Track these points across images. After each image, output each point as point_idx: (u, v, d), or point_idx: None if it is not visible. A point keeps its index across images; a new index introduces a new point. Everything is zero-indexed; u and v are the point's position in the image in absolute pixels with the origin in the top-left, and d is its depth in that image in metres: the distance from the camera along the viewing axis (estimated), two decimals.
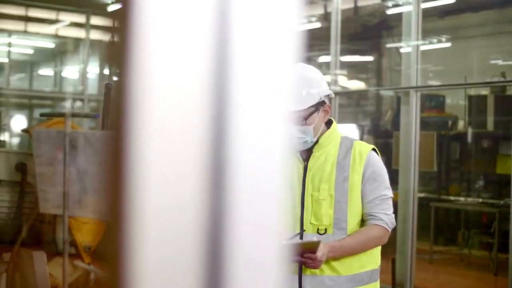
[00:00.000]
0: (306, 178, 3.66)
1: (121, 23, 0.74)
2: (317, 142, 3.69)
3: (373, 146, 3.73)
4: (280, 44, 0.76)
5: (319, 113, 3.64)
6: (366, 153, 3.63)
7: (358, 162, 3.61)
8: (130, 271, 0.72)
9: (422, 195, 11.69)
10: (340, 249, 3.52)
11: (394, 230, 9.44)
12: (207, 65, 0.73)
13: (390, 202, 3.67)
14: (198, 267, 0.73)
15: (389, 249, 9.67)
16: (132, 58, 0.71)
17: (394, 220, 3.67)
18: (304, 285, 3.59)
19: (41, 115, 3.55)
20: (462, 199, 12.81)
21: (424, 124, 11.44)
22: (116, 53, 0.74)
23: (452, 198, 12.84)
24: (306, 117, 3.61)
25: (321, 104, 3.65)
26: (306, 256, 3.41)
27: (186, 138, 0.72)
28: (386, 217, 3.61)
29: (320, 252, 3.40)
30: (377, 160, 3.67)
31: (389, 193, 3.67)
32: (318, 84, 3.65)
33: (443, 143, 12.72)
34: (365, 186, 3.59)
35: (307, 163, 3.69)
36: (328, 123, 3.75)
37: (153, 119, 0.71)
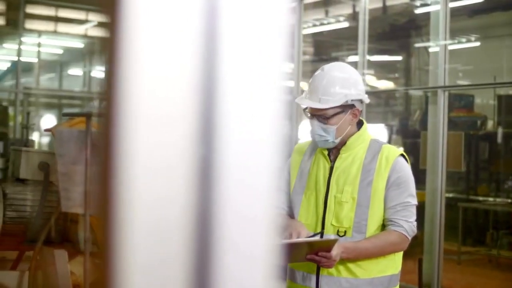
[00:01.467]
0: (331, 179, 3.64)
1: (111, 17, 0.74)
2: (345, 143, 3.67)
3: (401, 152, 3.69)
4: (268, 38, 0.76)
5: (346, 115, 3.61)
6: (393, 158, 3.59)
7: (384, 167, 3.57)
8: (120, 263, 0.72)
9: (450, 195, 11.62)
10: (354, 250, 3.50)
11: (422, 230, 9.37)
12: (195, 59, 0.73)
13: (413, 210, 3.62)
14: (187, 258, 0.73)
15: (416, 250, 9.63)
16: (121, 52, 0.72)
17: (415, 228, 3.61)
18: (321, 285, 3.59)
19: (63, 114, 3.57)
20: (491, 199, 12.70)
21: (453, 124, 11.36)
22: (106, 47, 0.75)
23: (480, 198, 12.74)
24: (328, 116, 3.59)
25: (349, 107, 3.61)
26: (320, 255, 3.40)
27: (174, 132, 0.72)
28: (406, 224, 3.56)
29: (335, 251, 3.39)
30: (404, 166, 3.63)
31: (413, 200, 3.62)
32: (349, 86, 3.61)
33: (472, 143, 12.62)
34: (389, 191, 3.56)
35: (334, 164, 3.67)
36: (359, 125, 3.73)
37: (141, 113, 0.72)
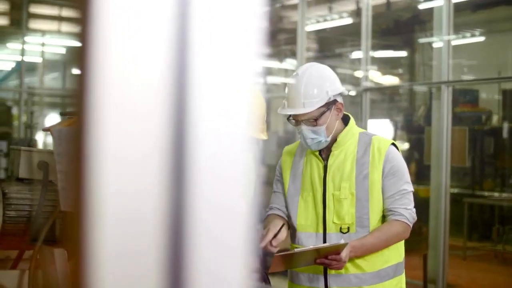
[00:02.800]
0: (327, 177, 3.65)
1: (83, 19, 0.73)
2: (335, 140, 3.68)
3: (392, 141, 3.72)
4: (241, 31, 0.75)
5: (331, 112, 3.63)
6: (385, 148, 3.61)
7: (378, 158, 3.59)
8: (91, 256, 0.71)
9: (455, 190, 11.60)
10: (361, 248, 3.51)
11: (427, 226, 9.36)
12: (167, 52, 0.72)
13: (410, 197, 3.65)
14: (161, 246, 0.72)
15: (421, 245, 9.61)
16: (93, 48, 0.71)
17: (414, 215, 3.65)
18: (330, 284, 3.59)
19: (62, 114, 3.55)
20: (496, 194, 12.67)
21: (458, 119, 11.34)
22: (79, 47, 0.74)
23: (486, 193, 12.71)
24: (316, 117, 3.60)
25: (332, 103, 3.63)
26: (330, 258, 3.40)
27: (146, 125, 0.72)
28: (406, 211, 3.59)
29: (344, 253, 3.40)
30: (396, 155, 3.66)
31: (409, 187, 3.65)
32: (328, 83, 3.63)
33: (477, 138, 12.59)
34: (385, 181, 3.58)
35: (327, 162, 3.68)
36: (346, 120, 3.74)
37: (111, 106, 0.71)
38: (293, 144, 3.94)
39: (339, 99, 3.68)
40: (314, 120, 3.61)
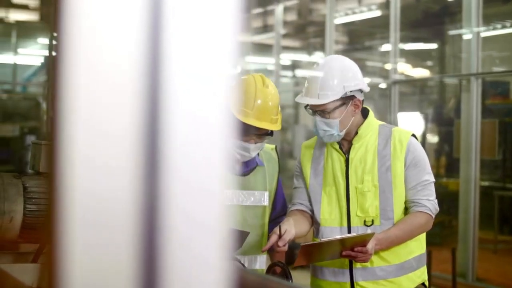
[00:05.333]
0: (349, 171, 3.65)
1: (54, 19, 0.72)
2: (356, 133, 3.66)
3: (412, 132, 3.71)
4: (215, 20, 0.73)
5: (347, 107, 3.61)
6: (406, 140, 3.60)
7: (399, 149, 3.58)
8: (63, 259, 0.70)
9: (486, 183, 11.49)
10: (386, 240, 3.51)
11: (456, 219, 9.29)
12: (139, 57, 0.71)
13: (432, 188, 3.65)
14: (135, 225, 0.71)
15: (450, 239, 9.55)
16: (62, 45, 0.69)
17: (437, 206, 3.66)
18: (356, 278, 3.59)
19: None
20: None
21: (489, 112, 11.23)
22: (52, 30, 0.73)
23: None
24: (330, 111, 3.58)
25: (349, 98, 3.61)
26: (357, 250, 3.39)
27: (116, 123, 0.70)
28: (429, 203, 3.59)
29: (370, 245, 3.39)
30: (417, 146, 3.65)
31: (431, 178, 3.65)
32: (347, 78, 3.61)
33: (508, 130, 12.45)
34: (407, 172, 3.58)
35: (348, 156, 3.67)
36: (364, 113, 3.73)
37: (81, 105, 0.69)
38: (311, 139, 3.92)
39: (358, 96, 3.65)
40: (328, 112, 3.59)
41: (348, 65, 3.69)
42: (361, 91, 3.66)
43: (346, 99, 3.60)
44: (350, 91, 3.59)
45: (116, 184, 0.70)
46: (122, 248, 0.71)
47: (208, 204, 0.74)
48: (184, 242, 0.73)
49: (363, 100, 3.69)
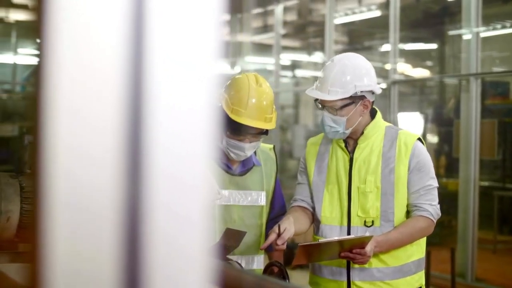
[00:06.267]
0: (353, 170, 3.64)
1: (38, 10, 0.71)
2: (362, 133, 3.65)
3: (418, 136, 3.68)
4: (197, 26, 0.73)
5: (357, 107, 3.58)
6: (412, 143, 3.58)
7: (404, 153, 3.56)
8: (46, 258, 0.70)
9: (485, 183, 11.49)
10: (386, 243, 3.50)
11: (455, 219, 9.28)
12: (123, 50, 0.70)
13: (435, 192, 3.62)
14: (118, 218, 0.71)
15: (449, 239, 9.54)
16: (46, 42, 0.69)
17: (439, 211, 3.64)
18: (353, 277, 3.58)
19: None
20: None
21: (488, 112, 11.23)
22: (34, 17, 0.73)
23: None
24: (338, 108, 3.57)
25: (359, 98, 3.58)
26: (355, 252, 3.39)
27: (99, 119, 0.70)
28: (431, 207, 3.58)
29: (369, 247, 3.38)
30: (422, 150, 3.63)
31: (434, 183, 3.63)
32: (360, 77, 3.58)
33: (508, 130, 12.45)
34: (410, 176, 3.57)
35: (353, 155, 3.66)
36: (372, 114, 3.71)
37: (62, 100, 0.69)
38: (317, 136, 3.91)
39: (369, 96, 3.62)
40: (336, 109, 3.58)
41: (362, 64, 3.65)
42: (372, 92, 3.64)
43: (356, 99, 3.58)
44: (361, 91, 3.57)
45: (99, 178, 0.70)
46: (104, 242, 0.70)
47: (191, 199, 0.74)
48: (167, 237, 0.73)
49: (373, 102, 3.67)
